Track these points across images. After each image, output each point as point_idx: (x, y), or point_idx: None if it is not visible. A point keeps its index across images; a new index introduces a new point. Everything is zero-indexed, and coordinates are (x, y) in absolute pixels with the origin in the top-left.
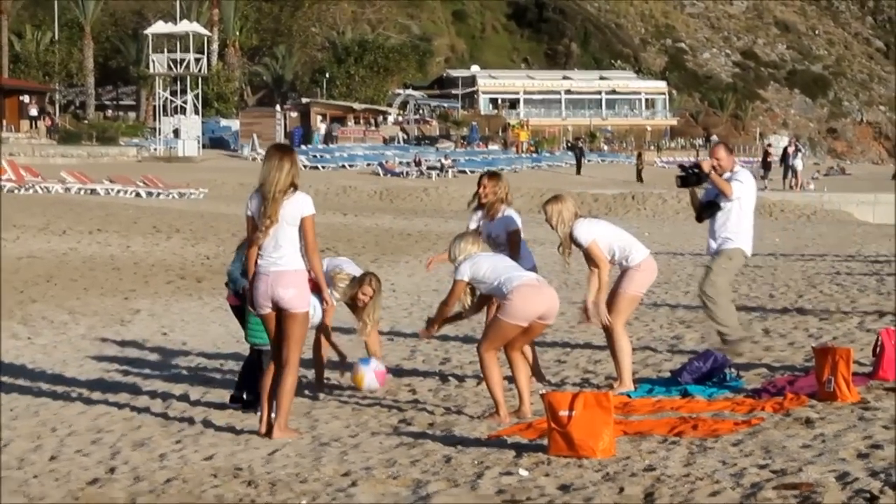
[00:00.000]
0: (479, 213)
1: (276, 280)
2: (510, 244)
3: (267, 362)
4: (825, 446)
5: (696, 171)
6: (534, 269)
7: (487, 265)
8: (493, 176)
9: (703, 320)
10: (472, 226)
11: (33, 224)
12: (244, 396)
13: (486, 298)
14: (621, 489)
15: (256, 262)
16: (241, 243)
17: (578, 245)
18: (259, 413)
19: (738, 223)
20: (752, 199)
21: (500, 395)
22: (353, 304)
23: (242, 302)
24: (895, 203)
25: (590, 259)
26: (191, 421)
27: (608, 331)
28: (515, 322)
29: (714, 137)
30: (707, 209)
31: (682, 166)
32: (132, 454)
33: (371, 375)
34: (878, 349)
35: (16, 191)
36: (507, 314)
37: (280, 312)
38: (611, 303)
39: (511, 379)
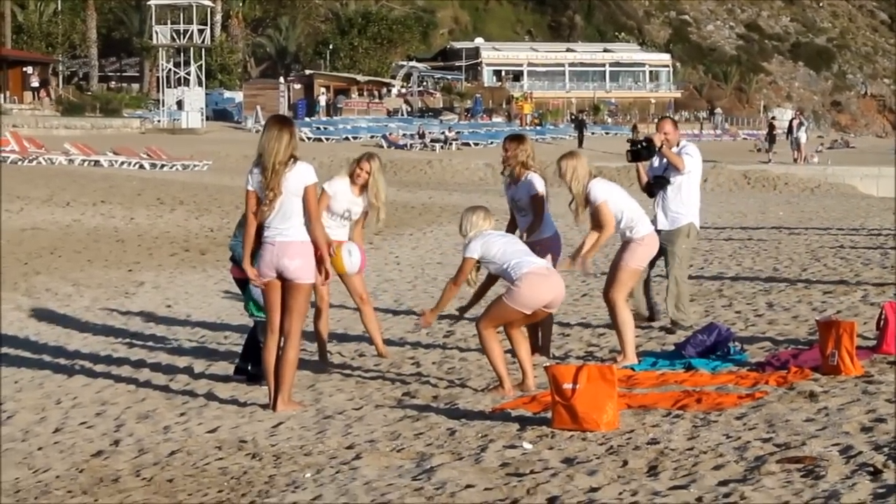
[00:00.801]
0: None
1: (282, 250)
2: (533, 208)
3: (263, 334)
4: (829, 420)
5: (646, 144)
6: (555, 236)
7: (499, 245)
8: (515, 139)
9: (706, 294)
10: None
11: (37, 195)
12: (248, 368)
13: (493, 279)
14: (625, 462)
15: (262, 232)
16: (243, 217)
17: (591, 202)
18: (264, 386)
19: (688, 197)
20: (700, 172)
21: (503, 369)
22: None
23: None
24: None
25: (596, 219)
26: (195, 393)
27: (610, 304)
28: (520, 308)
29: (718, 110)
30: (658, 184)
31: (631, 141)
32: (136, 426)
33: (349, 256)
34: (881, 323)
35: (19, 162)
36: (512, 299)
37: (284, 283)
38: (612, 276)
39: (513, 352)
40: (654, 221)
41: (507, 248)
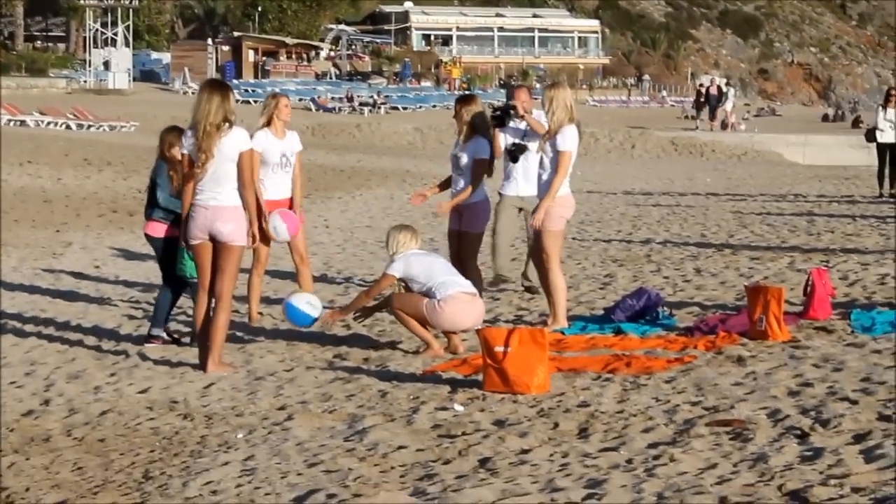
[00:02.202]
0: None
1: (215, 214)
2: (472, 172)
3: (195, 294)
4: (756, 384)
5: (510, 110)
6: (485, 201)
7: (422, 265)
8: (465, 99)
9: (634, 259)
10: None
11: None
12: (157, 331)
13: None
14: (556, 424)
15: (193, 196)
16: (154, 169)
17: (556, 143)
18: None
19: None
20: None
21: (425, 332)
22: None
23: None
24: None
25: (554, 162)
26: (125, 354)
27: (542, 269)
28: (436, 325)
29: (646, 77)
30: (518, 149)
31: (494, 107)
32: (67, 386)
33: (273, 231)
34: (808, 289)
35: None
36: (432, 318)
37: (216, 245)
38: (536, 241)
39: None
40: (516, 187)
41: (431, 267)
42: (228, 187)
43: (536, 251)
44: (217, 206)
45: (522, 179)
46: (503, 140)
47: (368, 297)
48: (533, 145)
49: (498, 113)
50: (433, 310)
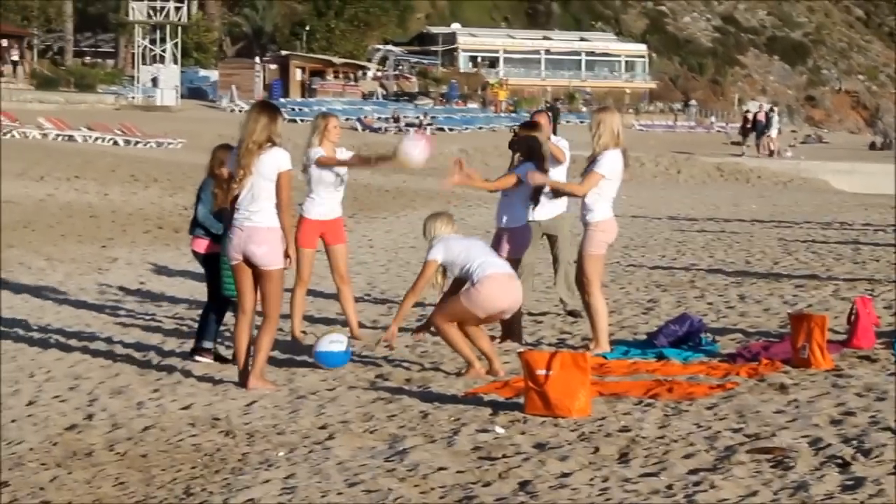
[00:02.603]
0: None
1: (249, 236)
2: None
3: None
4: (799, 412)
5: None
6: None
7: (462, 246)
8: (528, 125)
9: (678, 284)
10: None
11: (10, 169)
12: (204, 346)
13: (459, 284)
14: (596, 449)
15: (232, 215)
16: (201, 186)
17: (592, 163)
18: (235, 364)
19: None
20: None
21: (469, 352)
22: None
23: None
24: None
25: (584, 177)
26: (169, 370)
27: (584, 292)
28: (474, 311)
29: (693, 102)
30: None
31: (516, 132)
32: (110, 401)
33: (410, 146)
34: (852, 317)
35: None
36: (470, 300)
37: (254, 269)
38: (578, 265)
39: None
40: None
41: (470, 250)
42: (264, 206)
43: (578, 275)
44: (251, 226)
45: (541, 204)
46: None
47: (416, 293)
48: (554, 170)
49: (517, 138)
50: (471, 295)
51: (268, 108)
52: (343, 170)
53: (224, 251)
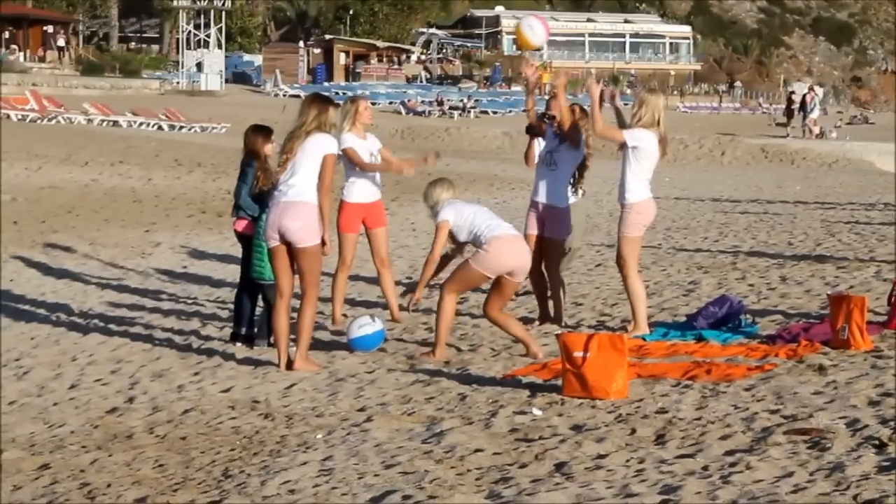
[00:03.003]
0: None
1: (283, 210)
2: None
3: (273, 297)
4: (837, 393)
5: (545, 118)
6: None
7: (470, 210)
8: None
9: (720, 266)
10: None
11: (55, 154)
12: (243, 332)
13: (464, 246)
14: (633, 430)
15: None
16: (241, 169)
17: (631, 139)
18: (275, 346)
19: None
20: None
21: (444, 335)
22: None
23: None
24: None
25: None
26: (209, 353)
27: (622, 274)
28: (484, 272)
29: (738, 83)
30: (539, 127)
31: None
32: (151, 384)
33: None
34: (892, 298)
35: (38, 121)
36: (479, 262)
37: (290, 250)
38: (617, 247)
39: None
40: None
41: (478, 213)
42: (301, 183)
43: (617, 256)
44: (286, 201)
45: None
46: (538, 148)
47: (434, 259)
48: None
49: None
50: (479, 256)
51: (318, 99)
52: (375, 148)
53: (260, 233)
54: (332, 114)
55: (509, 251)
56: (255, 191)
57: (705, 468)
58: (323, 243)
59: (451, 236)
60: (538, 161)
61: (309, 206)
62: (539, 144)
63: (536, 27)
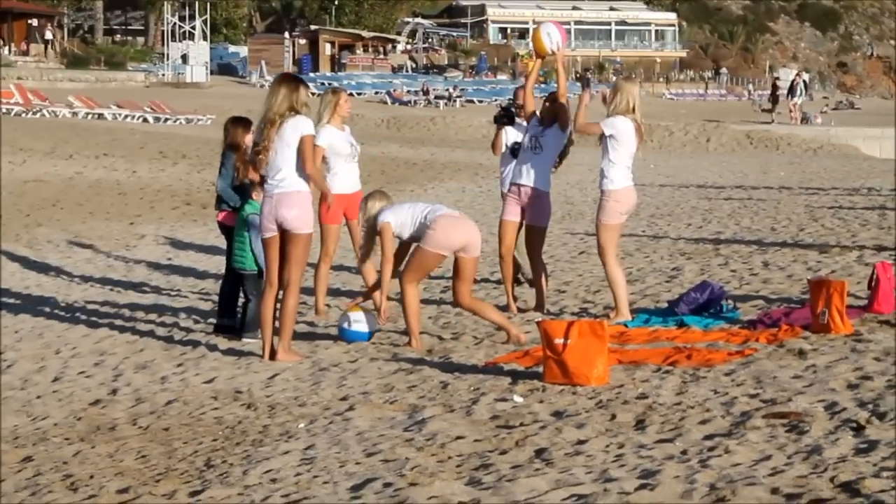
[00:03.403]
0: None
1: (279, 201)
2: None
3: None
4: (816, 377)
5: (513, 108)
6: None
7: (407, 206)
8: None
9: (703, 253)
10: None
11: (40, 148)
12: (226, 322)
13: (408, 246)
14: (613, 416)
15: (263, 190)
16: (221, 160)
17: (608, 128)
18: (259, 338)
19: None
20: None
21: (416, 326)
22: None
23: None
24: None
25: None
26: (193, 344)
27: (602, 262)
28: (436, 250)
29: (724, 70)
30: (507, 114)
31: (502, 106)
32: (134, 376)
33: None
34: (873, 282)
35: (23, 115)
36: (428, 242)
37: (283, 234)
38: (596, 236)
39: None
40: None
41: (415, 206)
42: (289, 172)
43: (598, 244)
44: (280, 192)
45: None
46: (505, 138)
47: (388, 260)
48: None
49: (502, 112)
50: (427, 237)
51: (286, 80)
52: (353, 139)
53: (242, 224)
54: (304, 93)
55: (456, 226)
56: (236, 182)
57: (684, 453)
58: (324, 197)
59: (398, 238)
60: (522, 147)
61: (303, 194)
62: (506, 134)
63: (554, 34)
